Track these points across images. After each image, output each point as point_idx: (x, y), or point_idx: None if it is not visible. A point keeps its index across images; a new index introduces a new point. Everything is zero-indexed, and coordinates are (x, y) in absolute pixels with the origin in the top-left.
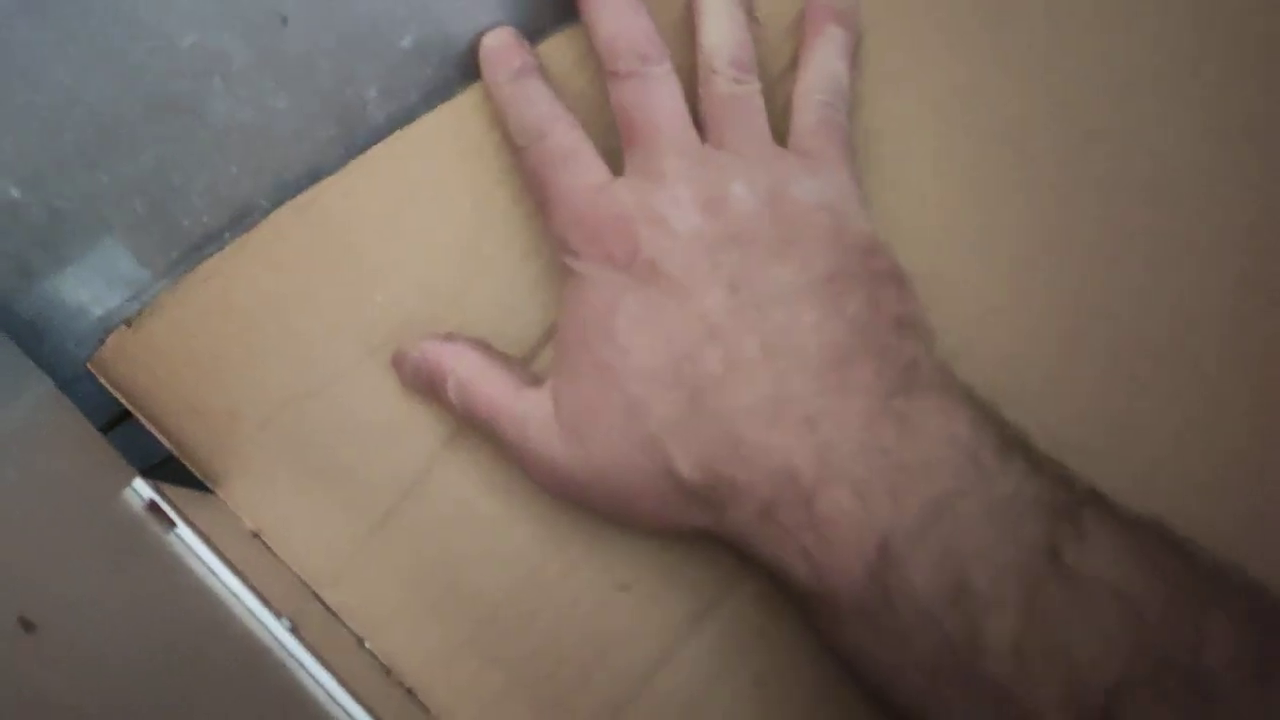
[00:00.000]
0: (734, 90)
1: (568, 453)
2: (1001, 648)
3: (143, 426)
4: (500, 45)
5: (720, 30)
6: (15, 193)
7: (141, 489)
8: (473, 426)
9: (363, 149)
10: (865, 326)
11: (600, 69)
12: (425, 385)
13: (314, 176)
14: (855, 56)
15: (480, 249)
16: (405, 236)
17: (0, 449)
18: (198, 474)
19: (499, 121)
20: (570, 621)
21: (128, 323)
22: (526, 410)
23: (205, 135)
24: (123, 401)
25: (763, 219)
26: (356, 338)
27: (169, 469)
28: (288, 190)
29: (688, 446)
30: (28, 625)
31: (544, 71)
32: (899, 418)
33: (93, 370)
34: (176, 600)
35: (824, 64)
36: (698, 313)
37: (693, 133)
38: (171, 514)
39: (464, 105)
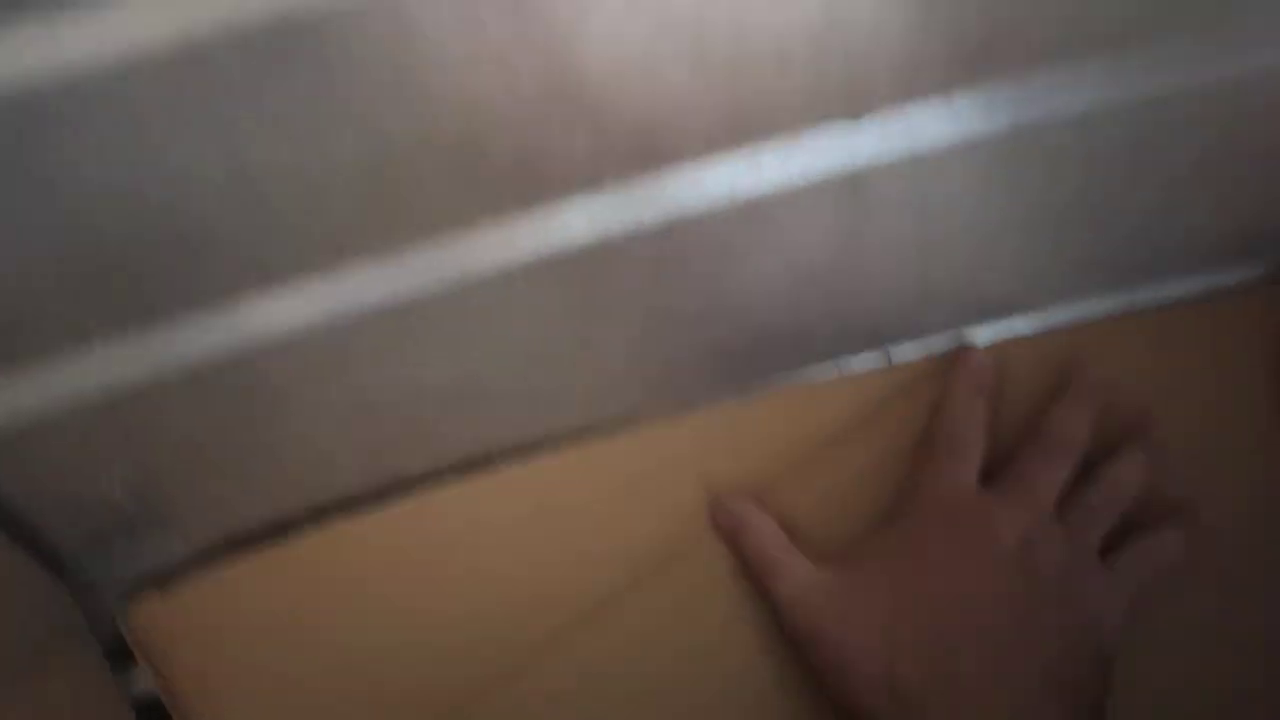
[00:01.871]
0: (1105, 498)
1: (830, 612)
2: None
3: None
4: (979, 362)
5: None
6: (119, 495)
7: None
8: (750, 576)
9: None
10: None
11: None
12: (729, 533)
13: (353, 506)
14: None
15: (483, 615)
16: (419, 590)
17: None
18: None
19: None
20: None
21: (159, 586)
22: (809, 576)
23: (273, 458)
24: (142, 662)
25: (1052, 594)
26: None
27: None
28: (328, 515)
29: (916, 660)
30: None
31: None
32: None
33: (123, 631)
34: None
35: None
36: (998, 582)
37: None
38: None
39: (499, 481)
